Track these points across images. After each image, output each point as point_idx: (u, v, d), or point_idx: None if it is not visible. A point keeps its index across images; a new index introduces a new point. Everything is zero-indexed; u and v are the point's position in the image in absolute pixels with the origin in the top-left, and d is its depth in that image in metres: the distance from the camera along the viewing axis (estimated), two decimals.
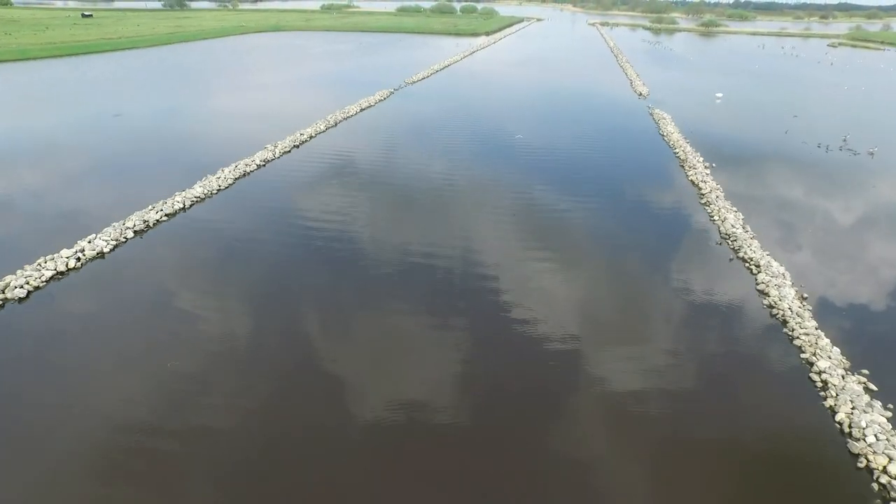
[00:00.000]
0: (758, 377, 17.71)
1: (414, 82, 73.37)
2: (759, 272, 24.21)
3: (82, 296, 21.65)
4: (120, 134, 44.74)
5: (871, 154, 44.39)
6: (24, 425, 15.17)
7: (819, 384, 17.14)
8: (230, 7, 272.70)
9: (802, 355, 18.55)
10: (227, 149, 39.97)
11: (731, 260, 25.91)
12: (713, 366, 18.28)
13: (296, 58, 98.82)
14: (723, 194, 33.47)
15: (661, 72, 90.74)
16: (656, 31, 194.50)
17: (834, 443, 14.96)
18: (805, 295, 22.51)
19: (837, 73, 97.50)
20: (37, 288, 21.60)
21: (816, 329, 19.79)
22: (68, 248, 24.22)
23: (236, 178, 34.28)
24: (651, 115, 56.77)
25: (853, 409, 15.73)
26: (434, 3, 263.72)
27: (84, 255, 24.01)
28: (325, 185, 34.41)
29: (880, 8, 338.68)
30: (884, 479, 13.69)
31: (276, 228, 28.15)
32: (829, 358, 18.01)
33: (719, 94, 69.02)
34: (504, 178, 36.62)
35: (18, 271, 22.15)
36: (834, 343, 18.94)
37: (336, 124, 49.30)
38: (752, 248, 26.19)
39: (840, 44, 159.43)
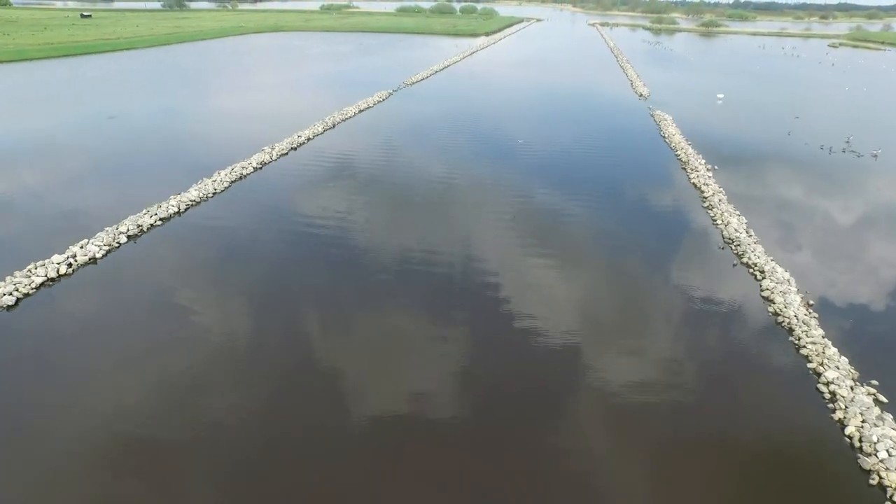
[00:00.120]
0: (764, 388, 17.25)
1: (413, 83, 72.93)
2: (763, 278, 23.75)
3: (74, 303, 21.18)
4: (115, 136, 44.26)
5: (875, 156, 43.94)
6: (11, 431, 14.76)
7: (827, 395, 16.68)
8: (229, 7, 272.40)
9: (809, 365, 18.08)
10: (223, 151, 39.51)
11: (734, 265, 25.45)
12: (718, 376, 17.81)
13: (294, 58, 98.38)
14: (725, 197, 33.00)
15: (662, 72, 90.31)
16: (656, 32, 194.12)
17: (844, 457, 14.50)
18: (811, 302, 22.05)
19: (838, 73, 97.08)
20: (26, 295, 21.13)
21: (823, 338, 19.32)
22: (60, 253, 23.76)
23: (232, 181, 33.81)
24: (652, 116, 56.32)
25: (863, 422, 15.27)
26: (434, 4, 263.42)
27: (76, 260, 23.53)
28: (323, 188, 33.94)
29: (880, 8, 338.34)
30: None
31: (273, 232, 27.69)
32: (838, 368, 17.55)
33: (720, 95, 68.58)
34: (504, 180, 36.15)
35: (8, 278, 21.69)
36: (842, 352, 18.48)
37: (334, 126, 48.84)
38: (756, 254, 25.72)
39: (841, 44, 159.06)
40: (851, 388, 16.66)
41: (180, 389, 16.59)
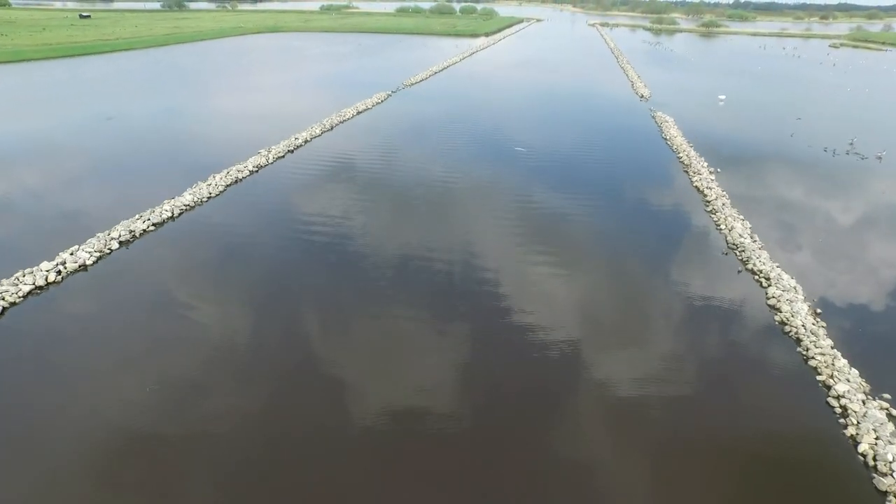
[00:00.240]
0: (772, 402, 16.68)
1: (413, 84, 72.39)
2: (769, 285, 23.20)
3: (63, 312, 20.61)
4: (111, 138, 43.72)
5: (880, 158, 43.39)
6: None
7: (838, 410, 16.13)
8: (229, 8, 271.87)
9: (819, 377, 17.54)
10: (219, 154, 38.98)
11: (739, 272, 24.90)
12: (724, 388, 17.24)
13: (293, 59, 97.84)
14: (729, 201, 32.45)
15: (663, 73, 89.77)
16: (656, 32, 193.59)
17: (859, 477, 13.94)
18: (819, 310, 21.50)
19: (840, 74, 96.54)
20: (13, 304, 20.58)
21: (832, 348, 18.77)
22: (49, 260, 23.22)
23: (227, 185, 33.26)
24: (653, 117, 55.77)
25: (877, 439, 14.72)
26: (433, 4, 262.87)
27: (65, 267, 22.99)
28: (320, 192, 33.38)
29: (880, 8, 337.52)
30: None
31: (269, 238, 27.12)
32: (848, 381, 17.00)
33: (722, 97, 68.01)
34: (503, 182, 35.56)
35: None
36: (852, 364, 17.94)
37: (332, 128, 48.29)
38: (762, 260, 25.17)
39: (842, 44, 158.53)
40: (863, 403, 16.12)
41: (172, 399, 16.06)
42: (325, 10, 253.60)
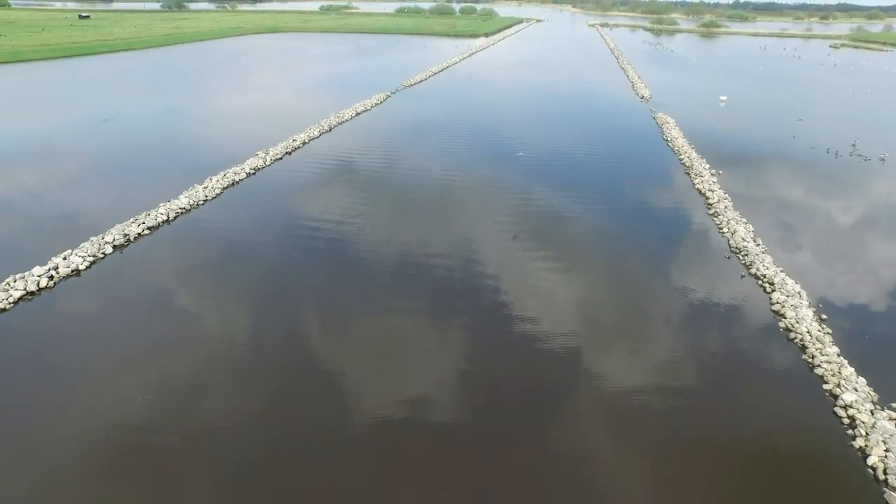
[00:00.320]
0: (778, 412, 16.31)
1: (412, 85, 72.02)
2: (773, 290, 22.82)
3: (55, 318, 20.23)
4: (107, 139, 43.33)
5: (882, 160, 43.02)
6: None
7: (846, 420, 15.75)
8: (228, 8, 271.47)
9: (825, 386, 17.16)
10: (216, 156, 38.61)
11: (742, 276, 24.52)
12: (728, 397, 16.86)
13: (293, 60, 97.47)
14: (731, 204, 32.08)
15: (663, 73, 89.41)
16: (656, 33, 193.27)
17: (869, 492, 13.57)
18: (824, 316, 21.12)
19: (841, 74, 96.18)
20: (3, 310, 20.19)
21: (839, 356, 18.40)
22: (41, 265, 22.84)
23: (224, 188, 32.87)
24: (654, 118, 55.40)
25: (887, 451, 14.34)
26: (433, 4, 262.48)
27: (58, 272, 22.61)
28: (318, 195, 33.00)
29: (880, 8, 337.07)
30: None
31: (265, 242, 26.73)
32: (855, 390, 16.63)
33: (723, 97, 67.63)
34: (503, 184, 35.18)
35: None
36: (859, 373, 17.57)
37: (330, 129, 47.91)
38: (765, 264, 24.79)
39: (842, 45, 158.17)
40: (872, 413, 15.75)
41: (170, 403, 15.69)
42: (325, 10, 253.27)
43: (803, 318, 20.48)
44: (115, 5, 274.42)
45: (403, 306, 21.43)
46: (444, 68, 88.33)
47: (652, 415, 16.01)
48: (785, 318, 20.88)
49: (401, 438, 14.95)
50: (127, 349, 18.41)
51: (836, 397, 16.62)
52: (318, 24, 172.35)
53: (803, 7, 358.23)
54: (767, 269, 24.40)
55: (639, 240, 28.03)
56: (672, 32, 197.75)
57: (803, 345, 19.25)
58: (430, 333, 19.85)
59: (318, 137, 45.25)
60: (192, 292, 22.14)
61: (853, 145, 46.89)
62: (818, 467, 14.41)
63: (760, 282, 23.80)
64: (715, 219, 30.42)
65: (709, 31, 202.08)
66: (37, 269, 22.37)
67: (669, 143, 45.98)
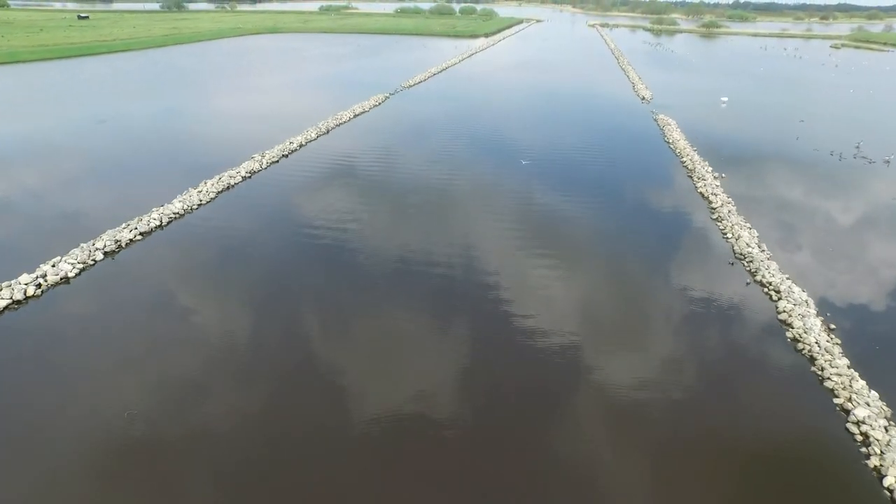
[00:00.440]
0: (788, 427, 15.73)
1: (411, 85, 71.46)
2: (779, 299, 22.24)
3: (42, 329, 19.65)
4: (102, 141, 42.77)
5: (888, 162, 42.46)
6: None
7: (859, 437, 15.18)
8: (228, 9, 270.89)
9: (836, 401, 16.59)
10: (212, 158, 38.04)
11: (747, 284, 23.94)
12: (736, 410, 16.29)
13: (292, 60, 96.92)
14: (735, 208, 31.50)
15: (664, 74, 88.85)
16: (657, 33, 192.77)
17: None
18: (832, 326, 20.54)
19: (842, 74, 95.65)
20: None
21: (849, 368, 17.83)
22: (29, 272, 22.26)
23: (219, 192, 32.29)
24: (655, 120, 54.83)
25: None
26: (433, 5, 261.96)
27: (46, 280, 22.03)
28: (316, 198, 32.41)
29: (880, 8, 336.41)
30: None
31: (261, 247, 26.15)
32: (868, 405, 16.06)
33: (725, 98, 67.06)
34: (503, 186, 34.63)
35: None
36: (871, 386, 16.99)
37: (328, 131, 47.33)
38: (771, 271, 24.21)
39: (843, 45, 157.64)
40: (886, 430, 15.18)
41: (169, 406, 15.13)
42: (325, 10, 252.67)
43: (811, 329, 19.91)
44: (115, 6, 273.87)
45: (403, 306, 21.04)
46: (444, 69, 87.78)
47: (656, 424, 15.56)
48: (792, 327, 20.31)
49: (401, 438, 14.90)
50: (119, 359, 17.88)
51: (847, 412, 16.06)
52: (317, 25, 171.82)
53: (803, 7, 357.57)
54: (773, 276, 23.83)
55: (641, 245, 27.46)
56: (672, 33, 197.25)
57: (812, 356, 18.68)
58: (430, 333, 19.59)
59: (315, 140, 44.66)
60: (187, 300, 21.59)
61: (857, 147, 46.32)
62: (833, 489, 13.85)
63: (766, 289, 23.22)
64: (719, 223, 29.85)
65: (709, 32, 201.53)
66: (24, 277, 21.79)
67: (671, 146, 45.41)
